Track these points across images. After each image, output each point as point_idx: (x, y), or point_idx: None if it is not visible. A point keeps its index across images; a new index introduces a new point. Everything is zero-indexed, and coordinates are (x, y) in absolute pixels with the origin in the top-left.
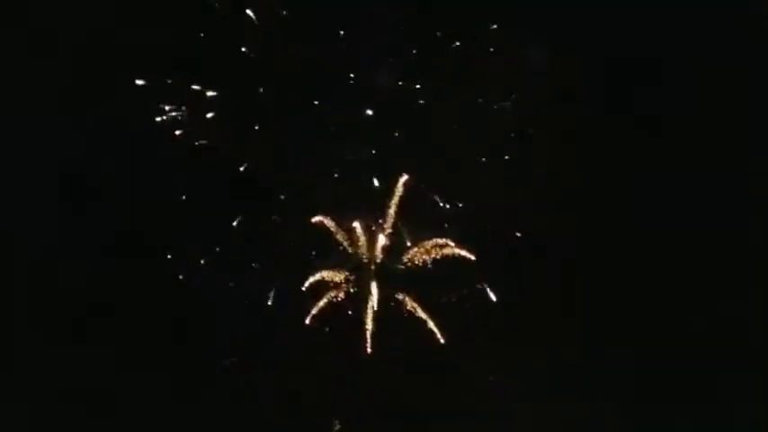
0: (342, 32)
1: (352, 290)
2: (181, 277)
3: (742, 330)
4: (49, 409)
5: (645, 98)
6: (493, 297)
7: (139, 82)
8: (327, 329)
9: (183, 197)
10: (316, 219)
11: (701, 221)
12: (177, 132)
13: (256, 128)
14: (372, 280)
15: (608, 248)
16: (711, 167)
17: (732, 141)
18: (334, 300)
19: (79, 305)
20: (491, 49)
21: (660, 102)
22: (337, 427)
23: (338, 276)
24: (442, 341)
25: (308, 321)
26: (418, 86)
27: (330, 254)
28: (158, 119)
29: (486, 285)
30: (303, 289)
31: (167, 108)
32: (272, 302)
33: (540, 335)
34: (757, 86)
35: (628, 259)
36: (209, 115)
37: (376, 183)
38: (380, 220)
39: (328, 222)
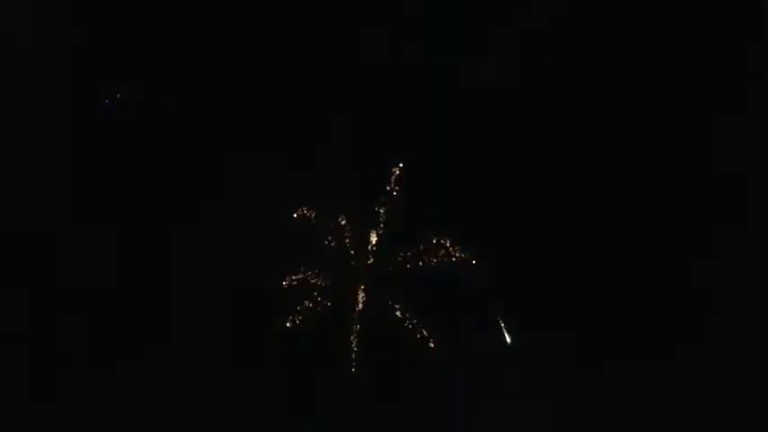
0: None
1: (336, 296)
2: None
3: None
4: None
5: None
6: (508, 339)
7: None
8: (306, 342)
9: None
10: (296, 212)
11: None
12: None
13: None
14: (360, 285)
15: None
16: None
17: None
18: (317, 308)
19: None
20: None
21: None
22: None
23: (320, 280)
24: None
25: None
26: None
27: (312, 253)
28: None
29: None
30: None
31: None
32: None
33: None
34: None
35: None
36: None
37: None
38: (372, 216)
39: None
